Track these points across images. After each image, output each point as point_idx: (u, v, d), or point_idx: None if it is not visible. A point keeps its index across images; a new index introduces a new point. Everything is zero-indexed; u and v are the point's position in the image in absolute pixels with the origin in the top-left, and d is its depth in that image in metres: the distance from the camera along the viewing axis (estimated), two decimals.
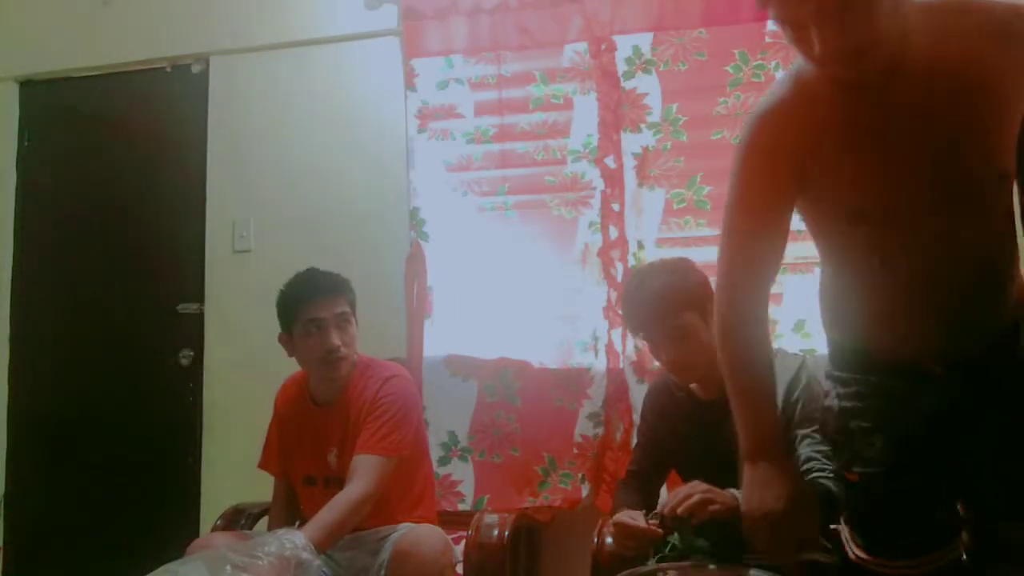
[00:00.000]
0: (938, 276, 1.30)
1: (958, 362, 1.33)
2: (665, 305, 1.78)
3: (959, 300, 1.31)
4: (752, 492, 1.38)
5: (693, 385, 1.89)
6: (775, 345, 2.31)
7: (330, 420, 2.08)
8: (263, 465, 2.23)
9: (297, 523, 2.08)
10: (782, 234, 1.43)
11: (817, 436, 1.73)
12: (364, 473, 1.92)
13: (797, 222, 2.49)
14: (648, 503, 1.99)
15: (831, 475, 1.67)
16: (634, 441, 2.39)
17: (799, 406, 1.76)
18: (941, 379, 1.35)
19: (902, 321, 1.34)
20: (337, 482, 1.99)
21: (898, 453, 1.39)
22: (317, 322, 2.02)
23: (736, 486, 1.75)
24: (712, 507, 1.58)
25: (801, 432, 1.74)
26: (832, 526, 1.80)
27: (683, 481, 2.01)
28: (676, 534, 1.65)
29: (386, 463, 1.95)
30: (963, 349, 1.33)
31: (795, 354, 1.91)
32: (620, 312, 1.97)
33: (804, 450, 1.72)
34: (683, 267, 1.87)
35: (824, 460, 1.70)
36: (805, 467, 1.70)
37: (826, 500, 1.66)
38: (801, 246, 2.41)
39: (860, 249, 1.35)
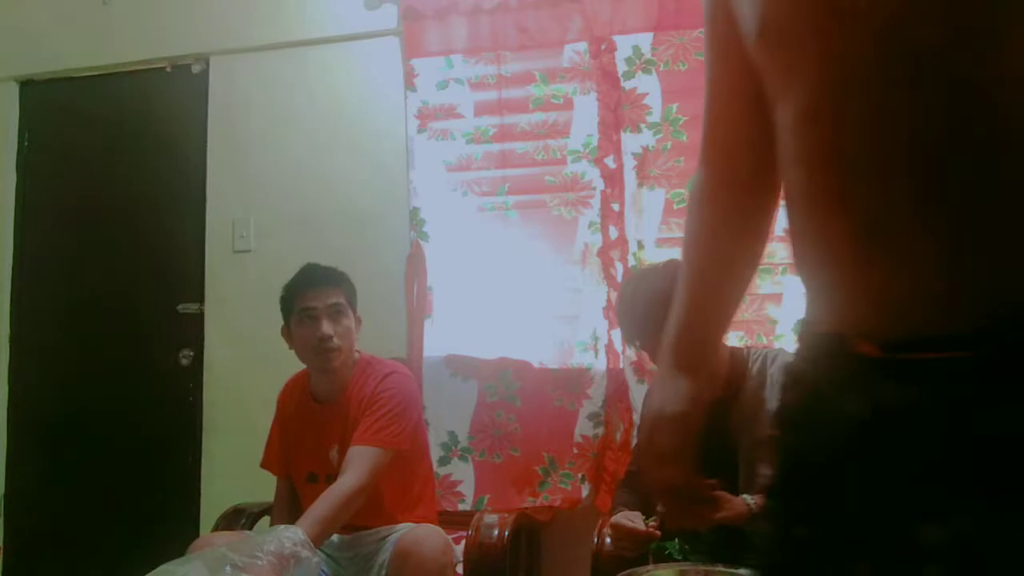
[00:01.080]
0: (889, 162, 0.72)
1: (909, 340, 0.73)
2: (656, 312, 1.76)
3: (920, 220, 0.70)
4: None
5: None
6: (776, 345, 2.33)
7: (331, 418, 2.08)
8: (265, 465, 2.23)
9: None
10: (757, 111, 0.89)
11: None
12: (358, 464, 1.91)
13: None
14: (648, 504, 1.99)
15: None
16: (634, 441, 2.39)
17: None
18: (877, 369, 0.77)
19: (838, 250, 0.77)
20: (337, 476, 1.99)
21: (796, 486, 0.86)
22: (310, 311, 2.04)
23: (736, 485, 1.75)
24: (719, 515, 1.58)
25: None
26: None
27: None
28: (675, 540, 1.66)
29: (381, 455, 1.94)
30: (921, 314, 0.72)
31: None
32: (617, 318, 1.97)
33: None
34: (673, 272, 1.86)
35: None
36: None
37: None
38: None
39: (786, 108, 0.82)
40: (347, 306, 2.07)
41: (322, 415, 2.11)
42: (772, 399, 1.79)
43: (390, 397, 2.02)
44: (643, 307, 1.79)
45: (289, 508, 2.16)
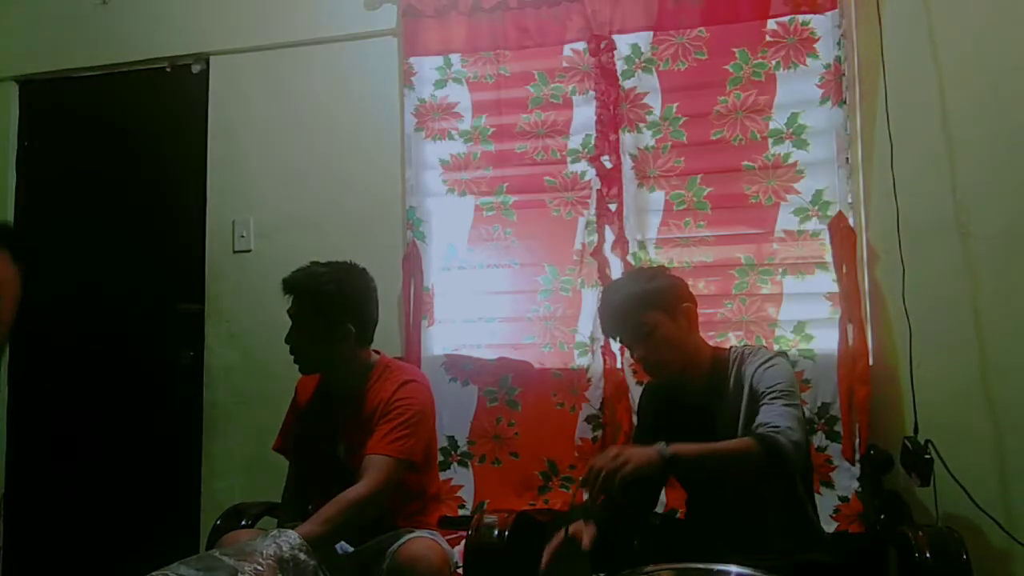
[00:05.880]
0: None
1: None
2: (630, 306, 1.85)
3: None
4: None
5: (688, 385, 1.89)
6: (777, 347, 2.32)
7: (343, 413, 2.07)
8: (278, 448, 2.21)
9: (310, 507, 2.08)
10: None
11: (774, 401, 1.69)
12: (372, 473, 1.90)
13: (790, 221, 2.50)
14: (645, 506, 1.99)
15: (780, 428, 1.62)
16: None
17: (762, 383, 1.75)
18: None
19: None
20: (344, 473, 1.98)
21: None
22: None
23: (729, 485, 1.75)
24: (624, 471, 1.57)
25: (762, 403, 1.72)
26: None
27: (682, 486, 2.02)
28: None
29: (395, 464, 1.93)
30: None
31: (774, 348, 1.92)
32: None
33: (760, 415, 1.69)
34: (651, 273, 1.96)
35: (775, 417, 1.65)
36: (756, 424, 1.67)
37: (769, 451, 1.60)
38: (801, 246, 2.42)
39: None
40: (305, 315, 2.03)
41: (335, 409, 2.10)
42: (749, 397, 1.78)
43: (407, 407, 2.00)
44: (614, 304, 1.87)
45: (300, 493, 2.15)
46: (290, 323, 2.06)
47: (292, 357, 2.06)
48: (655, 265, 2.00)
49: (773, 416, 1.65)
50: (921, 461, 2.10)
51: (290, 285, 2.06)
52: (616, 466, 1.57)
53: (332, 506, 1.84)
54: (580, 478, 1.70)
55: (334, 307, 2.03)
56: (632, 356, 1.92)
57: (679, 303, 1.88)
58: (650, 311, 1.83)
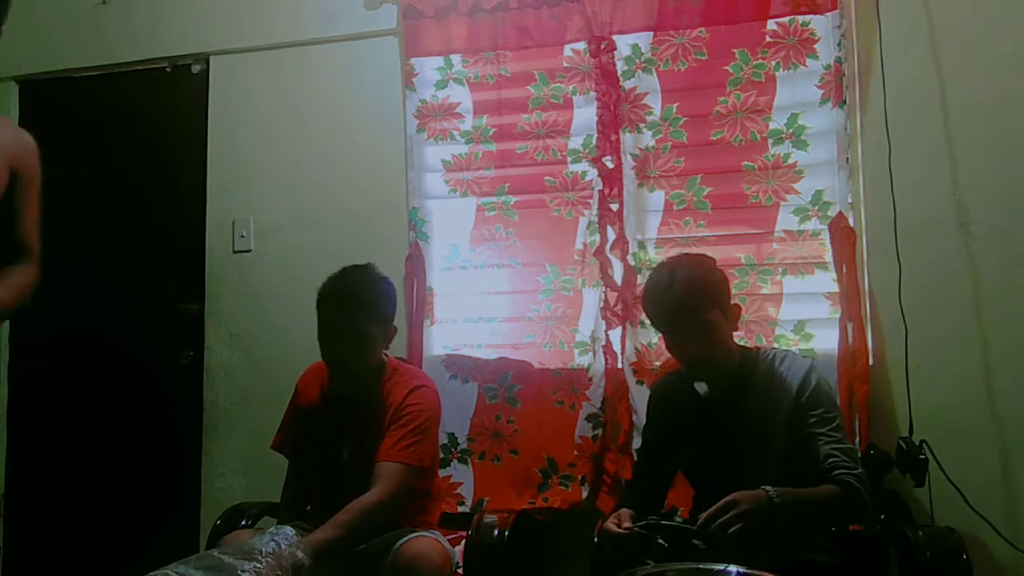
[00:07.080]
0: None
1: None
2: (694, 299, 1.80)
3: None
4: None
5: (701, 386, 1.89)
6: (776, 346, 2.33)
7: (351, 414, 2.07)
8: (277, 447, 2.21)
9: (308, 507, 2.10)
10: None
11: (834, 435, 1.73)
12: (385, 480, 1.91)
13: (790, 221, 2.50)
14: (653, 507, 1.99)
15: (856, 473, 1.68)
16: (635, 443, 2.39)
17: (811, 405, 1.77)
18: None
19: None
20: (346, 475, 1.99)
21: None
22: None
23: (744, 479, 1.75)
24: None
25: (816, 431, 1.74)
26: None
27: (691, 485, 2.01)
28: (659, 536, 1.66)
29: (407, 471, 1.95)
30: None
31: (805, 357, 1.92)
32: (643, 304, 1.91)
33: (823, 448, 1.72)
34: (709, 264, 1.90)
35: (845, 458, 1.70)
36: (827, 463, 1.70)
37: (853, 499, 1.66)
38: (801, 246, 2.42)
39: None
40: (350, 309, 2.03)
41: (340, 410, 2.10)
42: (782, 398, 1.79)
43: (419, 413, 2.01)
44: (677, 295, 1.79)
45: (300, 492, 2.16)
46: (320, 317, 2.04)
47: (319, 346, 2.04)
48: (701, 254, 1.95)
49: (844, 456, 1.71)
50: (916, 461, 2.10)
51: (340, 281, 2.06)
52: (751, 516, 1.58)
53: (346, 512, 1.85)
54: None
55: (379, 306, 2.05)
56: (676, 349, 1.85)
57: (730, 301, 1.87)
58: (713, 310, 1.80)
